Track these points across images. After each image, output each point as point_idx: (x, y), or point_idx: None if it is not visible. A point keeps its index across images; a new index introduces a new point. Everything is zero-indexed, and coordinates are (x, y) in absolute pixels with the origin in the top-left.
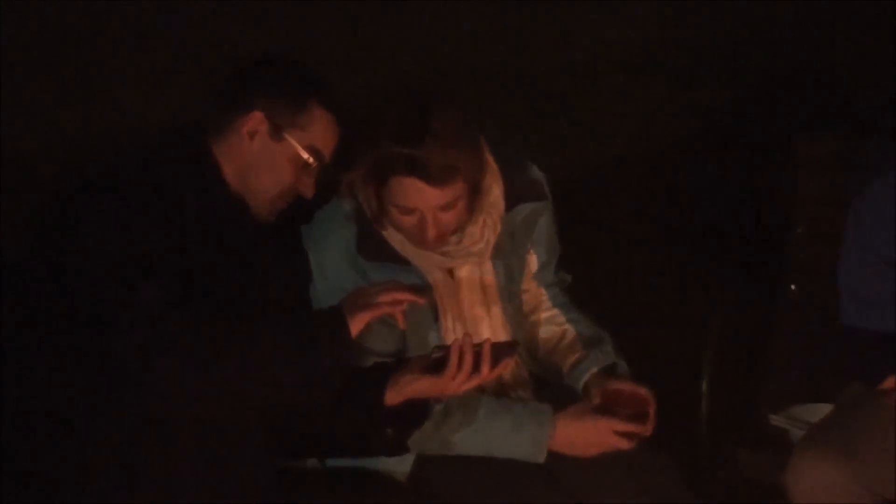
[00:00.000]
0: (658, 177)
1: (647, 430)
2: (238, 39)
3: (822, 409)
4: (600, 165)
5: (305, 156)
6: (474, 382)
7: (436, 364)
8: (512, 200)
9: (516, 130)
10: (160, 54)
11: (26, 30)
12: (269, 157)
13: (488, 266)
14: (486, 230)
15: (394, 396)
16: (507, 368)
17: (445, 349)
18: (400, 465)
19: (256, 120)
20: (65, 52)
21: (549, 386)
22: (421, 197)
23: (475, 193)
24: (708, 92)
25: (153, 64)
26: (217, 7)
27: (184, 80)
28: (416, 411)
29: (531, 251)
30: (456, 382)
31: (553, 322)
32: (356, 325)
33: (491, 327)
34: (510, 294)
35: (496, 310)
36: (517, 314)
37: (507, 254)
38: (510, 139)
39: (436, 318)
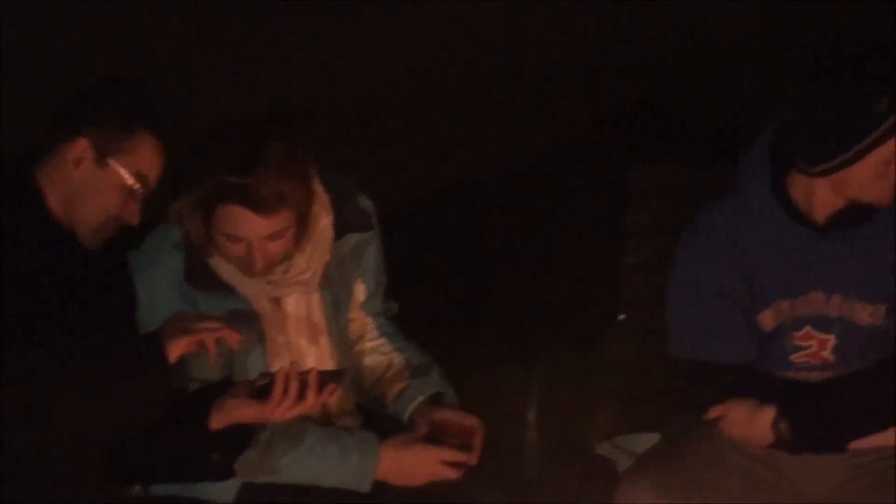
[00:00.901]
0: (491, 206)
1: (473, 459)
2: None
3: (649, 439)
4: (434, 192)
5: (131, 181)
6: (299, 410)
7: (262, 390)
8: (340, 230)
9: (352, 155)
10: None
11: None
12: (95, 184)
13: (316, 295)
14: (313, 260)
15: (219, 420)
16: (334, 397)
17: (271, 376)
18: (223, 494)
19: (81, 147)
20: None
21: (376, 415)
22: (249, 226)
23: (303, 223)
24: (541, 122)
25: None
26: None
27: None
28: (242, 436)
29: (358, 281)
30: (281, 410)
31: (379, 351)
32: (174, 352)
33: (317, 356)
34: (337, 323)
35: (323, 339)
36: (344, 343)
37: (334, 283)
38: (345, 166)
39: (262, 347)
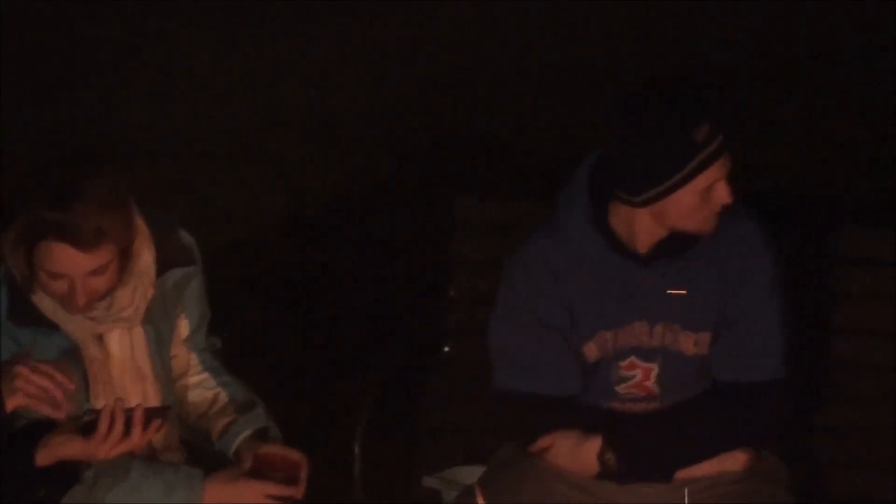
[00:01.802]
0: (319, 236)
1: (299, 493)
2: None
3: (475, 471)
4: (262, 225)
5: None
6: (125, 447)
7: (87, 427)
8: (163, 265)
9: (176, 191)
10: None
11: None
12: None
13: (139, 331)
14: (136, 295)
15: (45, 457)
16: (159, 433)
17: (97, 413)
18: None
19: None
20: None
21: (201, 450)
22: (70, 262)
23: (125, 258)
24: (369, 153)
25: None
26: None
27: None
28: (68, 473)
29: (182, 316)
30: (106, 446)
31: (203, 386)
32: (9, 404)
33: (141, 392)
34: (161, 359)
35: (147, 375)
36: (168, 379)
37: (157, 319)
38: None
39: (86, 384)
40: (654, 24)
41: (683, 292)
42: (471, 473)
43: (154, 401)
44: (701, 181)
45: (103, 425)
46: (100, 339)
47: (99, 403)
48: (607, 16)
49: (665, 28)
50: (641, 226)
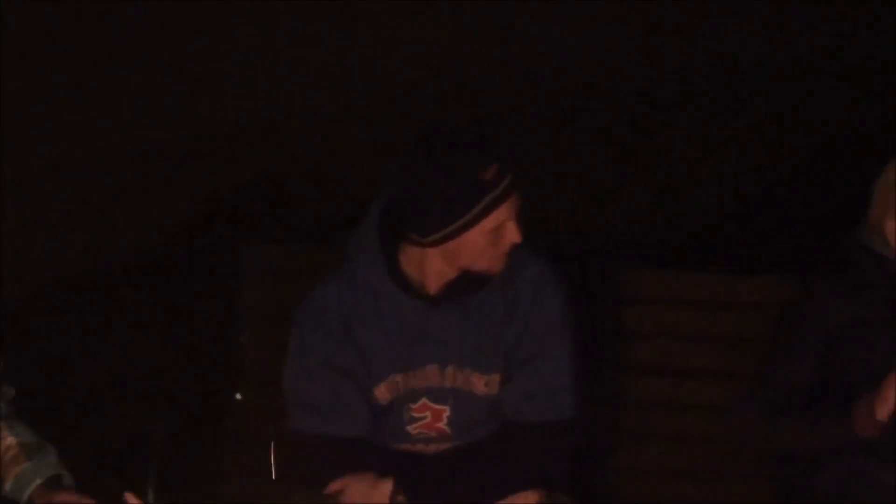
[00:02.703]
0: (111, 286)
1: None
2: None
3: None
4: (58, 278)
5: None
6: None
7: None
8: None
9: None
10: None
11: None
12: None
13: None
14: None
15: None
16: None
17: None
18: None
19: None
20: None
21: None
22: None
23: None
24: (160, 199)
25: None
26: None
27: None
28: None
29: None
30: None
31: None
32: None
33: None
34: None
35: None
36: None
37: None
38: None
39: None
40: (434, 77)
41: (473, 333)
42: None
43: None
44: (490, 221)
45: None
46: None
47: None
48: (391, 64)
49: (444, 76)
50: (432, 267)
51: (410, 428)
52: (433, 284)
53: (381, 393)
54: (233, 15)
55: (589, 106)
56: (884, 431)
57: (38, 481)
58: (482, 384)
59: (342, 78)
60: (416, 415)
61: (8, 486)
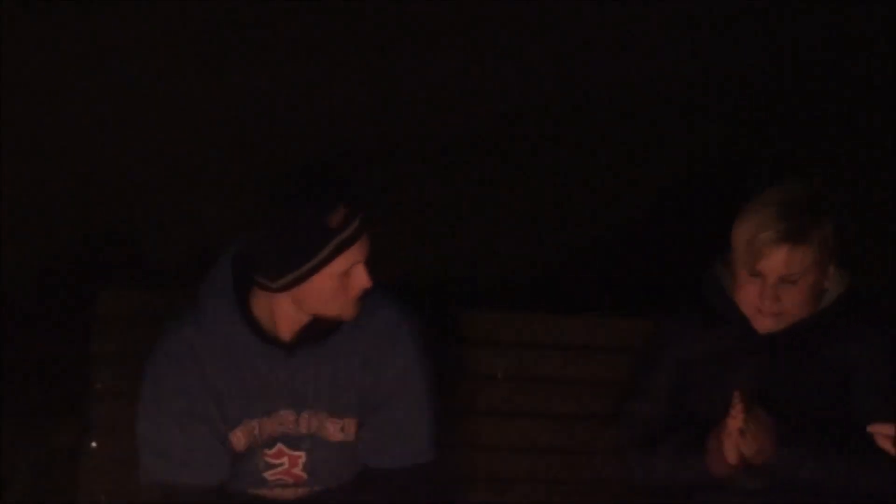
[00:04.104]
0: None
1: None
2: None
3: None
4: None
5: None
6: None
7: None
8: None
9: None
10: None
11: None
12: None
13: None
14: None
15: None
16: None
17: None
18: None
19: None
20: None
21: None
22: None
23: None
24: (18, 247)
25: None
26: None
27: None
28: None
29: None
30: None
31: None
32: None
33: None
34: None
35: None
36: None
37: None
38: None
39: None
40: (286, 118)
41: (327, 379)
42: None
43: None
44: (338, 265)
45: None
46: None
47: None
48: (245, 105)
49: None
50: (283, 312)
51: (267, 474)
52: (285, 330)
53: (237, 439)
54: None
55: (439, 145)
56: (739, 472)
57: None
58: (337, 430)
59: (196, 122)
60: (272, 461)
61: None
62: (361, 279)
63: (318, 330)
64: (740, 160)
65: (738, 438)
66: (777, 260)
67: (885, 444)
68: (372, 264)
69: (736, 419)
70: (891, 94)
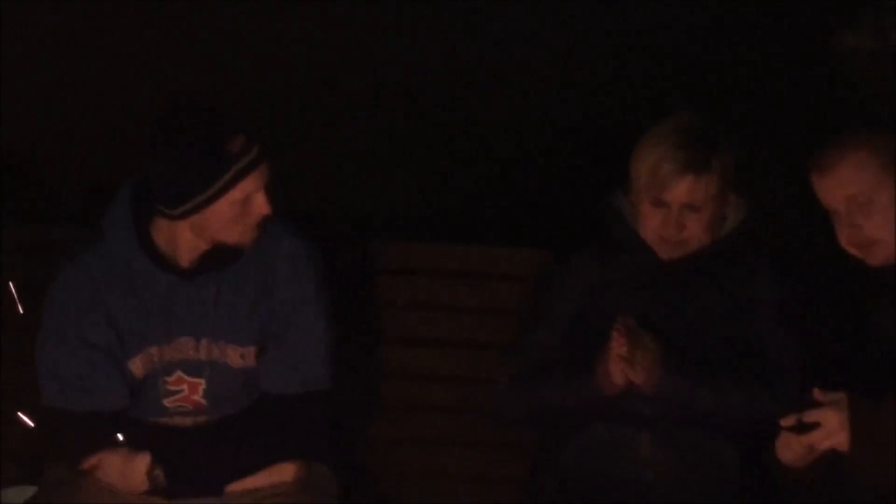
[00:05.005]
0: None
1: None
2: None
3: (25, 492)
4: None
5: None
6: None
7: None
8: None
9: None
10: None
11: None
12: None
13: None
14: None
15: None
16: None
17: None
18: None
19: None
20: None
21: None
22: None
23: None
24: None
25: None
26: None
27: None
28: None
29: None
30: None
31: None
32: None
33: None
34: None
35: None
36: None
37: None
38: None
39: None
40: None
41: (228, 306)
42: (20, 494)
43: None
44: (237, 192)
45: None
46: None
47: None
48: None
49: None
50: (183, 240)
51: (167, 401)
52: (185, 258)
53: (136, 366)
54: None
55: (355, 90)
56: (631, 394)
57: None
58: (237, 356)
59: (96, 58)
60: (171, 388)
61: None
62: (261, 206)
63: (219, 258)
64: (633, 99)
65: (621, 363)
66: (682, 189)
67: (802, 440)
68: (273, 192)
69: (618, 344)
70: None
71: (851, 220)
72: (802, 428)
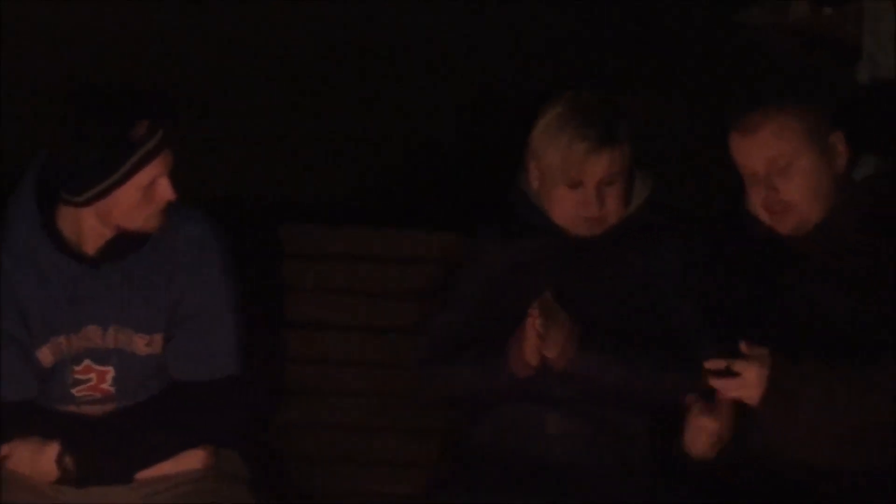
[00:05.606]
0: None
1: None
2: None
3: None
4: None
5: None
6: None
7: None
8: None
9: None
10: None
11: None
12: None
13: None
14: None
15: None
16: None
17: None
18: None
19: None
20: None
21: None
22: None
23: None
24: None
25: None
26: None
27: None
28: None
29: None
30: None
31: None
32: None
33: None
34: None
35: None
36: None
37: None
38: None
39: None
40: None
41: (134, 293)
42: None
43: None
44: (141, 178)
45: None
46: None
47: None
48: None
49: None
50: (87, 226)
51: (75, 390)
52: (90, 245)
53: (44, 355)
54: None
55: (258, 73)
56: (543, 375)
57: None
58: (144, 344)
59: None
60: (80, 377)
61: None
62: (165, 192)
63: (124, 244)
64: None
65: (536, 340)
66: (600, 165)
67: (717, 384)
68: (177, 178)
69: (534, 321)
70: None
71: (769, 182)
72: (724, 373)
